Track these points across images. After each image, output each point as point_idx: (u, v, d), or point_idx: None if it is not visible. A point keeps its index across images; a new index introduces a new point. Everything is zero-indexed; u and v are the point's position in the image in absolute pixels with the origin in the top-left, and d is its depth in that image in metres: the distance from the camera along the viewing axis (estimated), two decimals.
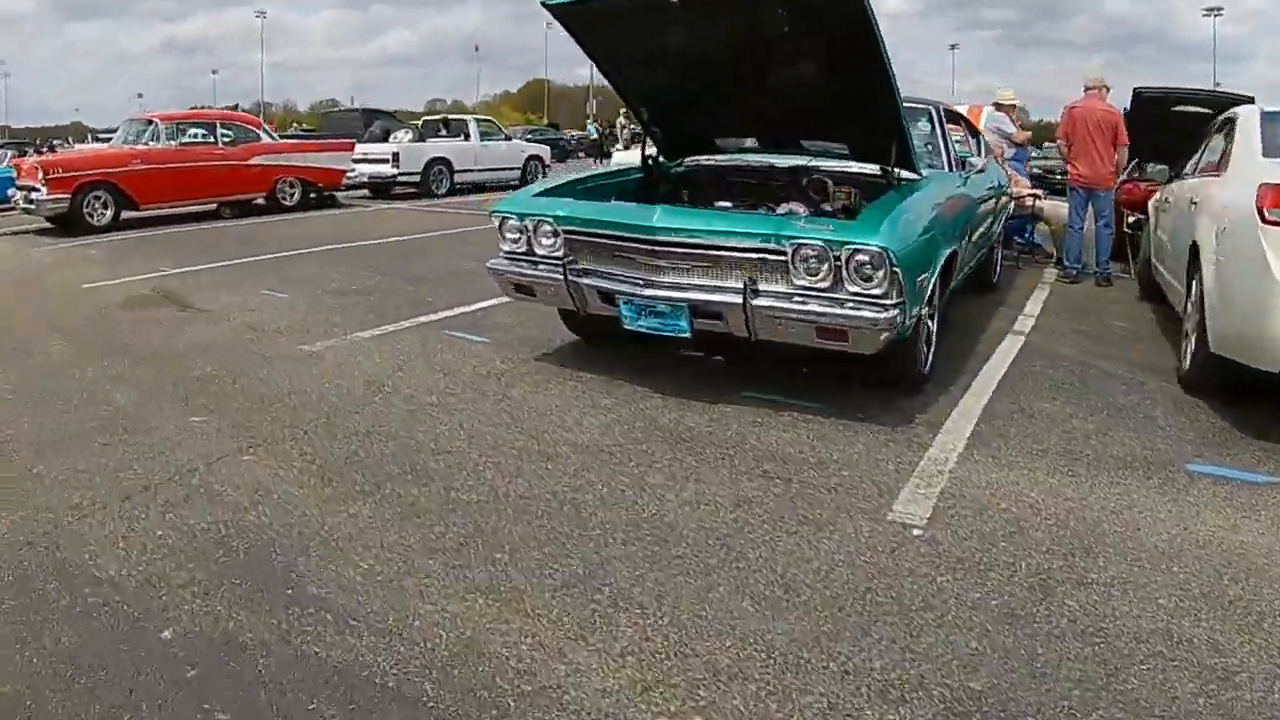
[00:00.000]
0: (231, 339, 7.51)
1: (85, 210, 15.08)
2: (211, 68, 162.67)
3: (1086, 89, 10.46)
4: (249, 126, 18.05)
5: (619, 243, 5.53)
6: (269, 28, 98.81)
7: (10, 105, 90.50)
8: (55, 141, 40.94)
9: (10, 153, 23.60)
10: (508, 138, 24.37)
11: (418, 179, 20.66)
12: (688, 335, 5.34)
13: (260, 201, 17.63)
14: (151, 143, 16.07)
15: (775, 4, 5.33)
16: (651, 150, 7.23)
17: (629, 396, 5.66)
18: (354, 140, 20.14)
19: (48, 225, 15.83)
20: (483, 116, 25.21)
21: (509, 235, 6.08)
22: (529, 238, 5.94)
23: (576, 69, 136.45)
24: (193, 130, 17.03)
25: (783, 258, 4.95)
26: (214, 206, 17.04)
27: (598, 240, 5.66)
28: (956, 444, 4.91)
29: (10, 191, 16.24)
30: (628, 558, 3.64)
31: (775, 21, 5.44)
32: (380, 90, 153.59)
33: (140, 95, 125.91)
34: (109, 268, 11.38)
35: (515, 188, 22.56)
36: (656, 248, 5.30)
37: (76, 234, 14.84)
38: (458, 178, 21.57)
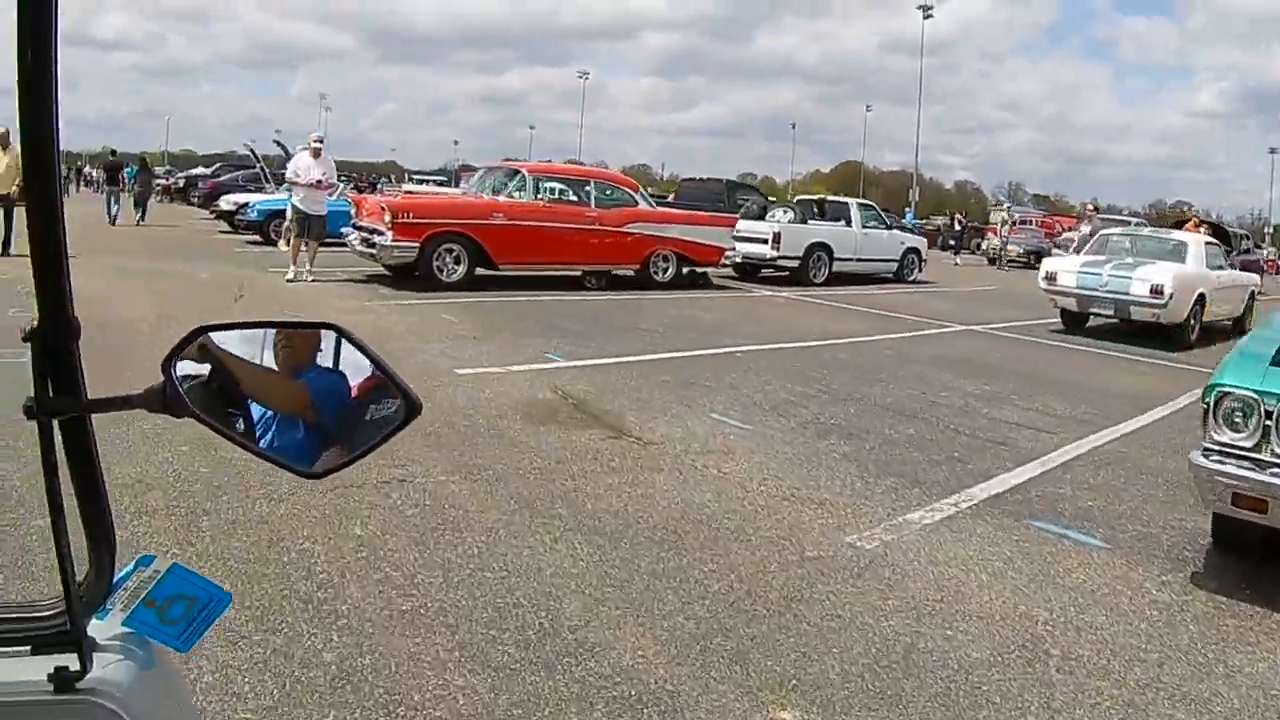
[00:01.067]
0: (724, 509, 5.08)
1: (435, 263, 13.19)
2: (521, 121, 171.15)
3: None
4: (626, 189, 15.96)
5: None
6: (584, 89, 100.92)
7: (329, 138, 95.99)
8: (377, 178, 41.57)
9: (342, 185, 22.67)
10: (888, 225, 21.53)
11: (795, 264, 18.51)
12: None
13: (628, 273, 15.39)
14: (517, 195, 14.16)
15: None
16: None
17: None
18: (737, 215, 17.88)
19: (382, 273, 14.20)
20: (864, 201, 22.46)
21: (1230, 420, 4.53)
22: (1271, 429, 4.38)
23: (886, 154, 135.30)
24: (562, 186, 15.07)
25: None
26: (577, 273, 15.00)
27: None
28: None
29: (344, 229, 14.62)
30: None
31: None
32: (687, 159, 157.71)
33: (457, 142, 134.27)
34: (481, 345, 9.15)
35: (891, 281, 20.45)
36: None
37: (418, 288, 13.02)
38: (835, 266, 19.37)
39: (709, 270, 16.73)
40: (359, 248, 13.77)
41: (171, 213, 32.68)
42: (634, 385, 7.83)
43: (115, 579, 0.97)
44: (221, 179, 32.01)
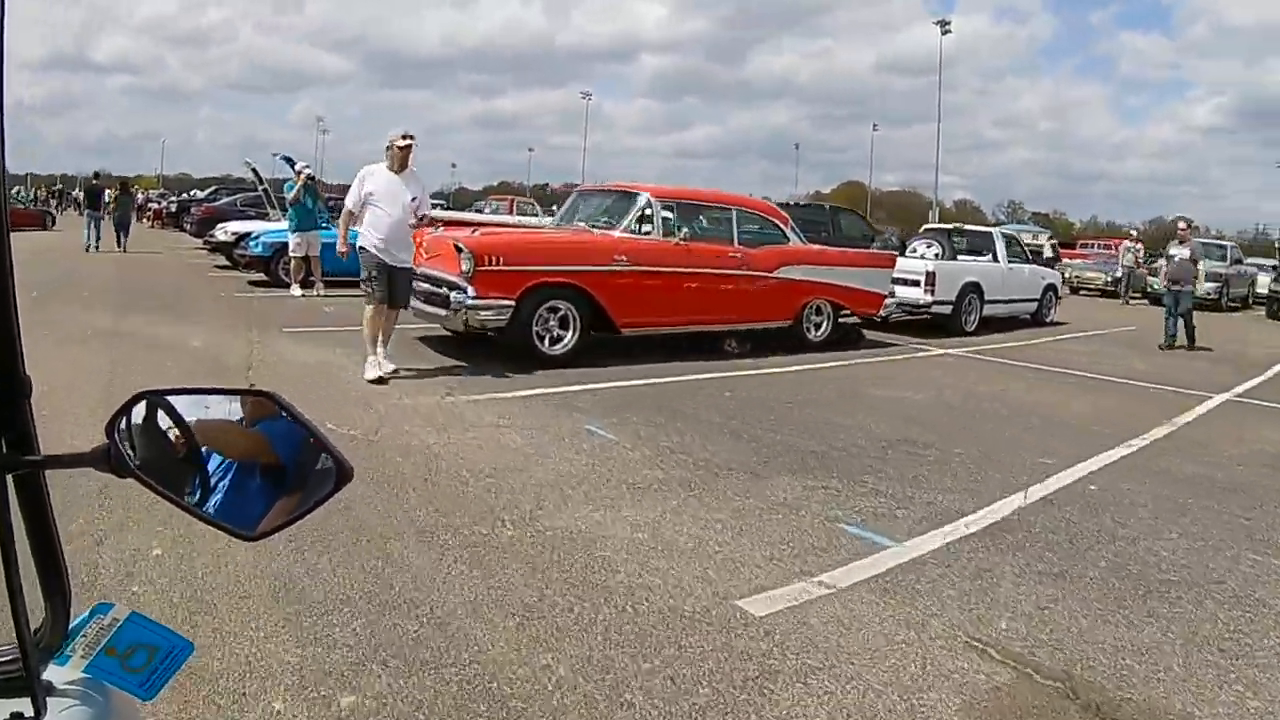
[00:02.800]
0: None
1: (536, 328, 9.20)
2: (518, 144, 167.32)
3: None
4: (774, 220, 11.69)
5: None
6: (581, 111, 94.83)
7: (325, 161, 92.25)
8: None
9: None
10: (1027, 259, 17.70)
11: (948, 309, 14.85)
12: None
13: (769, 328, 11.35)
14: (641, 231, 10.04)
15: None
16: None
17: None
18: (896, 254, 14.09)
19: (437, 331, 10.30)
20: (1008, 231, 18.58)
21: None
22: None
23: (884, 174, 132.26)
24: (694, 218, 10.85)
25: None
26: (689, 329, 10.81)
27: None
28: None
29: None
30: None
31: None
32: (686, 180, 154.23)
33: (454, 165, 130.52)
34: (709, 507, 5.22)
35: (1029, 324, 17.18)
36: None
37: (508, 365, 9.03)
38: (985, 309, 15.79)
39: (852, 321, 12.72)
40: (420, 305, 9.42)
41: (160, 240, 29.04)
42: (1073, 606, 4.02)
43: (72, 626, 0.97)
44: (218, 203, 27.99)
